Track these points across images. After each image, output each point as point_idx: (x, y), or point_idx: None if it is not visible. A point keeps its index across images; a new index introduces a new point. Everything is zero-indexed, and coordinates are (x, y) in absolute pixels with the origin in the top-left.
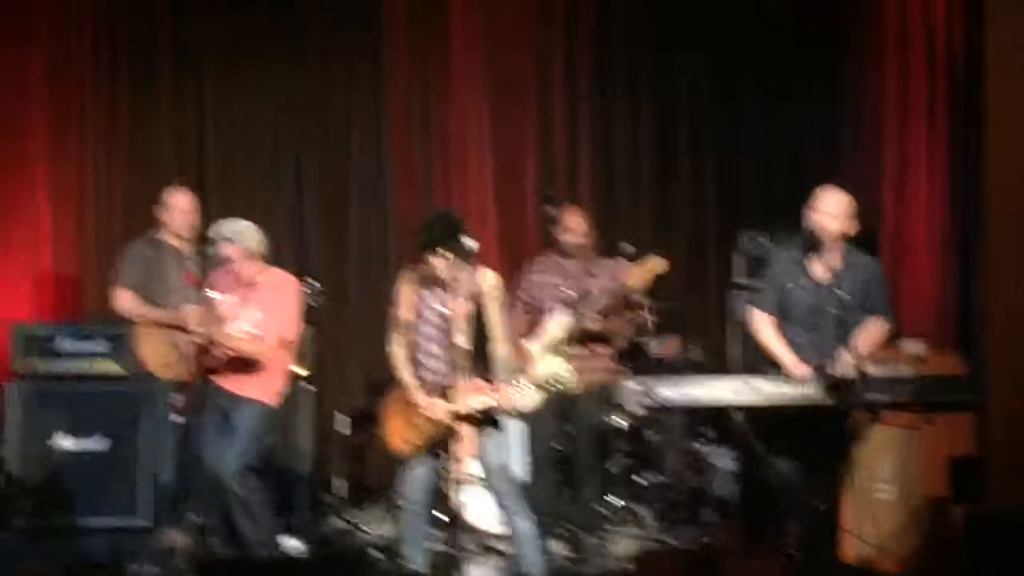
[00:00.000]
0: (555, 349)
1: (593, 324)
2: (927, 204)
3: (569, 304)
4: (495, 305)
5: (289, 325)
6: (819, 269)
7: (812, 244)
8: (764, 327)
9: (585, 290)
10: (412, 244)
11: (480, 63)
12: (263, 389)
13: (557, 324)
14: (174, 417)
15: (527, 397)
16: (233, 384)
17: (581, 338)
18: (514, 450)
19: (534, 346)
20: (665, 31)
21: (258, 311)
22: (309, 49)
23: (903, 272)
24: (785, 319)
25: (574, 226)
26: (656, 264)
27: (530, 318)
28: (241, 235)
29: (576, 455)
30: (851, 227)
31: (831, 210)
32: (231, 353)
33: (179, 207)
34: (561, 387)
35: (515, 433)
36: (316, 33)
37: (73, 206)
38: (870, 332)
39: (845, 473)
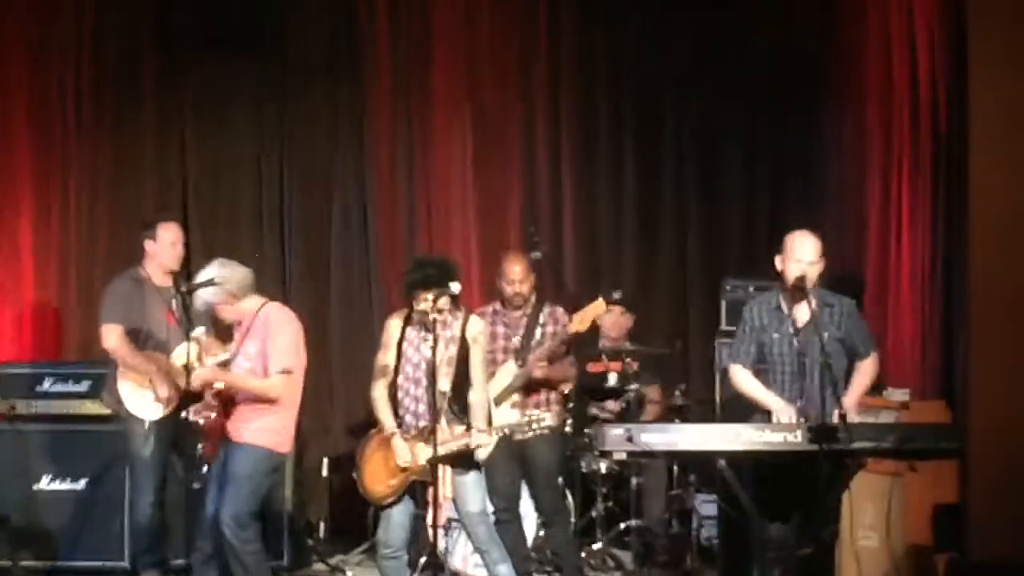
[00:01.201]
0: (504, 398)
1: (539, 371)
2: (910, 253)
3: (515, 353)
4: (478, 351)
5: (286, 355)
6: (798, 314)
7: (791, 292)
8: (744, 377)
9: (530, 338)
10: (401, 284)
11: (463, 110)
12: (260, 433)
13: (504, 374)
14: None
15: (489, 445)
16: (231, 428)
17: (528, 386)
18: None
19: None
20: (648, 79)
21: (253, 345)
22: (291, 95)
23: (887, 321)
24: (768, 367)
25: (513, 276)
26: (597, 307)
27: None
28: (219, 278)
29: (538, 500)
30: (821, 268)
31: (804, 256)
32: (230, 392)
33: (172, 239)
34: (533, 431)
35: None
36: (298, 79)
37: (55, 247)
38: (864, 373)
39: (828, 520)
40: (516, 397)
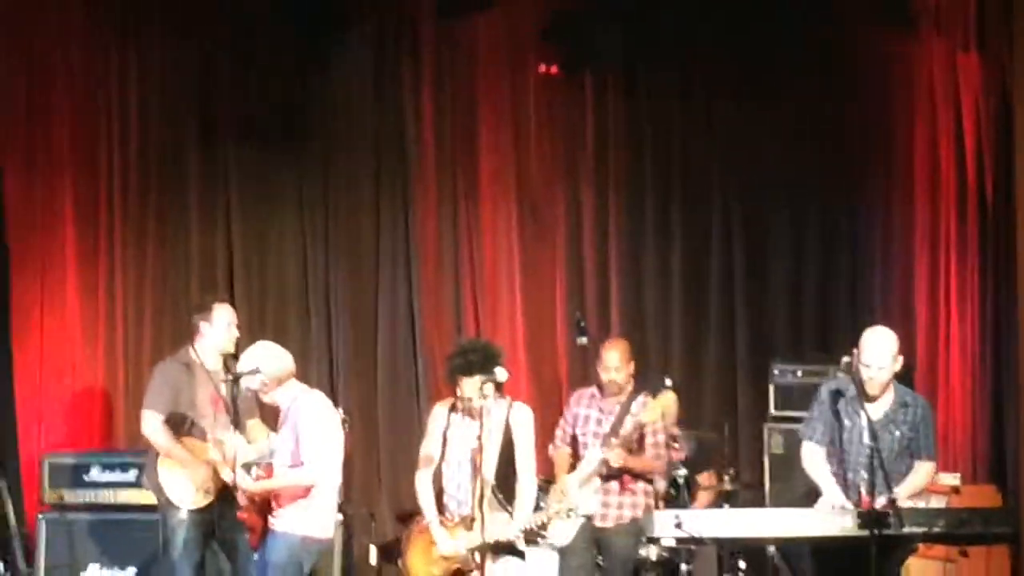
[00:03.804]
0: (585, 483)
1: (616, 460)
2: (960, 335)
3: (602, 439)
4: (523, 440)
5: (314, 442)
6: (873, 408)
7: (864, 392)
8: (814, 458)
9: (620, 425)
10: (445, 369)
11: (509, 195)
12: (294, 520)
13: (591, 459)
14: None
15: (557, 531)
16: (270, 517)
17: (614, 473)
18: None
19: (570, 479)
20: (692, 165)
21: (288, 433)
22: (337, 179)
23: (938, 406)
24: (835, 452)
25: (609, 363)
26: (666, 398)
27: (571, 450)
28: (264, 365)
29: None
30: (897, 368)
31: (872, 361)
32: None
33: (228, 321)
34: (579, 518)
35: (548, 565)
36: (343, 163)
37: (102, 333)
38: (918, 475)
39: None
40: (598, 483)
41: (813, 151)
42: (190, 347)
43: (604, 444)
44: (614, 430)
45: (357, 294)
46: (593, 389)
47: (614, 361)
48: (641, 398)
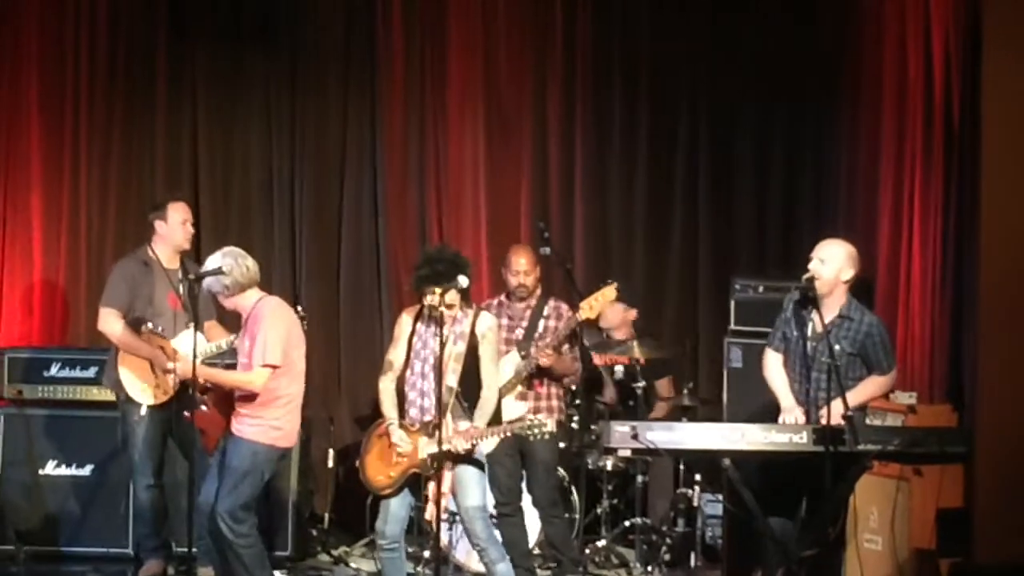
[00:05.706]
0: (508, 391)
1: (545, 359)
2: (921, 255)
3: (517, 345)
4: (487, 349)
5: (271, 350)
6: (817, 321)
7: (811, 295)
8: (772, 365)
9: (533, 331)
10: (412, 278)
11: (477, 105)
12: (259, 428)
13: (507, 365)
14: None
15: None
16: (233, 422)
17: (532, 376)
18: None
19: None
20: (661, 76)
21: (247, 339)
22: (303, 84)
23: (897, 322)
24: (786, 360)
25: (518, 267)
26: (607, 294)
27: None
28: (229, 269)
29: (535, 494)
30: (848, 273)
31: (821, 252)
32: (215, 386)
33: (182, 218)
34: (537, 431)
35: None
36: (311, 66)
37: (65, 232)
38: (866, 387)
39: (833, 522)
40: (520, 388)
41: (780, 71)
42: (148, 246)
43: (521, 350)
44: (529, 336)
45: (322, 198)
46: (500, 297)
47: (523, 265)
48: (552, 302)
